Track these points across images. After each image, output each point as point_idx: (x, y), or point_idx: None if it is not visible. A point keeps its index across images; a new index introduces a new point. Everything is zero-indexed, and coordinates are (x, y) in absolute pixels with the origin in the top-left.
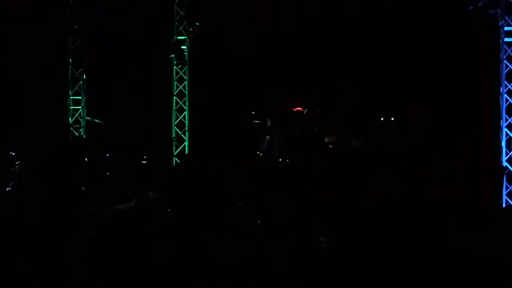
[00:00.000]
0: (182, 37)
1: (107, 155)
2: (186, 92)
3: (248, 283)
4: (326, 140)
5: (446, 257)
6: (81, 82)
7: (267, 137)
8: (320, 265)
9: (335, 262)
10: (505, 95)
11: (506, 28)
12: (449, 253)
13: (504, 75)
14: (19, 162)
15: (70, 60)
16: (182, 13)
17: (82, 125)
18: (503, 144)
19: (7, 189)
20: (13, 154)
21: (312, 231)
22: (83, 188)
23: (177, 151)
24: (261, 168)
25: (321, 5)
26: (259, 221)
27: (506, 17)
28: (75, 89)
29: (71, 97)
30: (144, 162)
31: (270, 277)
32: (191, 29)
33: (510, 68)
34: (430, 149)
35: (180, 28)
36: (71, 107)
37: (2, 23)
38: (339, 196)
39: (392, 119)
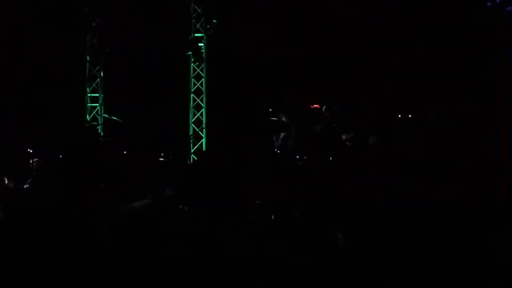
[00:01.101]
0: (200, 35)
1: (124, 152)
2: (203, 89)
3: (264, 280)
4: (343, 137)
5: (463, 256)
6: (98, 79)
7: (282, 134)
8: (337, 262)
9: (351, 259)
10: None
11: None
12: (466, 252)
13: None
14: (37, 159)
15: (88, 58)
16: (199, 10)
17: (99, 122)
18: None
19: (25, 186)
20: (31, 151)
21: (329, 228)
22: (100, 185)
23: (195, 148)
24: (278, 165)
25: (332, 5)
26: (273, 218)
27: None
28: (92, 86)
29: (88, 95)
30: (161, 159)
31: (286, 274)
32: (208, 26)
33: None
34: (447, 147)
35: (198, 26)
36: (88, 105)
37: (16, 21)
38: (355, 193)
39: (410, 116)
